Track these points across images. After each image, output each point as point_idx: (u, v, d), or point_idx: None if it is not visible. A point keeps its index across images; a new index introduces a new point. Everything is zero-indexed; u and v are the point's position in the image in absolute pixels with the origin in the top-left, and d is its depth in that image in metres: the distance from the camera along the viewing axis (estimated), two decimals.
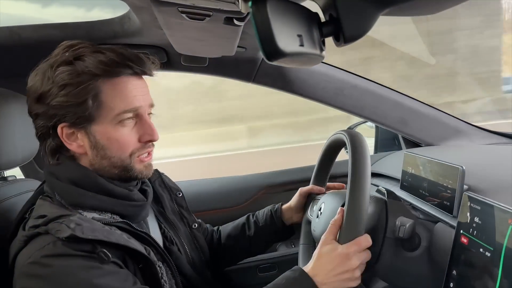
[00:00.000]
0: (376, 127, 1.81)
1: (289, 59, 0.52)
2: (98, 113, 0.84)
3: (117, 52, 0.85)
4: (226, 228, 1.26)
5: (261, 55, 1.39)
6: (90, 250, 0.75)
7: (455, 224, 0.93)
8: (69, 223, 0.75)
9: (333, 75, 1.45)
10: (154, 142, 0.92)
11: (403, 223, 0.95)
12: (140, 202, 0.92)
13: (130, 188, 0.91)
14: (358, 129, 1.83)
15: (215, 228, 1.28)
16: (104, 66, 0.83)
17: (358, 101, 1.49)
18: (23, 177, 1.39)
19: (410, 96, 1.53)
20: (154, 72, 0.92)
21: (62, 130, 0.84)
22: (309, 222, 1.18)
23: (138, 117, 0.88)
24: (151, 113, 0.93)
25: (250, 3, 0.46)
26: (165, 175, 1.16)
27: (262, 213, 1.25)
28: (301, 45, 0.51)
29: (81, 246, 0.74)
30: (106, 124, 0.85)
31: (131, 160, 0.88)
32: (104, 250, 0.75)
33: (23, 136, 1.10)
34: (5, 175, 1.16)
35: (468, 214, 0.77)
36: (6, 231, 0.88)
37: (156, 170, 1.13)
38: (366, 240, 0.86)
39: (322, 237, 0.88)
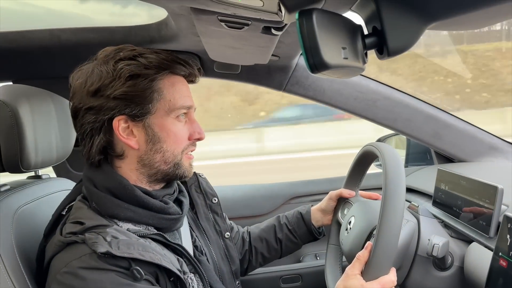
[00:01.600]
0: (408, 139, 1.77)
1: (332, 71, 0.51)
2: (159, 106, 0.87)
3: (172, 54, 0.90)
4: (256, 230, 1.26)
5: (293, 63, 1.38)
6: (124, 266, 0.76)
7: (491, 245, 0.90)
8: (105, 235, 0.77)
9: (367, 85, 1.43)
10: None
11: (437, 241, 0.92)
12: (176, 216, 0.91)
13: (165, 201, 0.91)
14: (388, 142, 1.80)
15: (245, 229, 1.27)
16: (169, 62, 0.88)
17: (390, 113, 1.46)
18: (55, 176, 1.43)
19: (444, 110, 1.49)
20: (198, 79, 0.97)
21: (118, 124, 0.85)
22: (338, 224, 1.16)
23: (188, 116, 0.92)
24: None
25: (297, 15, 0.45)
26: (204, 178, 1.15)
27: (292, 215, 1.24)
28: (345, 57, 0.50)
29: (116, 261, 0.75)
30: (165, 118, 0.88)
31: (181, 155, 0.91)
32: (138, 268, 0.76)
33: (59, 136, 1.12)
34: (40, 174, 1.19)
35: (508, 236, 0.74)
36: (42, 227, 0.90)
37: (194, 174, 1.12)
38: (390, 280, 0.84)
39: (347, 269, 0.87)
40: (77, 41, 1.26)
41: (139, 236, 0.82)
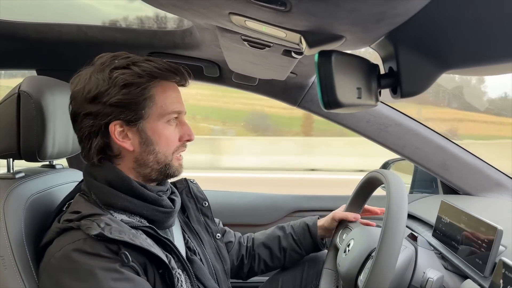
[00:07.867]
0: (415, 166, 1.78)
1: (345, 109, 0.53)
2: (152, 111, 0.92)
3: (164, 62, 0.94)
4: (260, 237, 1.31)
5: (310, 82, 1.41)
6: (115, 250, 0.81)
7: (484, 284, 0.91)
8: (99, 222, 0.82)
9: (379, 110, 1.45)
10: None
11: (431, 275, 0.94)
12: (168, 209, 0.97)
13: (160, 194, 0.97)
14: (396, 166, 1.81)
15: (247, 235, 1.32)
16: (160, 71, 0.92)
17: (400, 140, 1.47)
18: (68, 166, 1.46)
19: (454, 142, 1.50)
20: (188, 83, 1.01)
21: (114, 128, 0.91)
22: (336, 248, 1.18)
23: (179, 119, 0.98)
24: None
25: (316, 56, 0.48)
26: (194, 183, 1.21)
27: (298, 225, 1.30)
28: (359, 97, 0.53)
29: (108, 245, 0.80)
30: (157, 122, 0.93)
31: (172, 157, 0.96)
32: (126, 253, 0.81)
33: None
34: (54, 163, 1.22)
35: (501, 281, 0.76)
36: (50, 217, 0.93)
37: (184, 180, 1.18)
38: None
39: None
40: (103, 38, 1.29)
41: (131, 227, 0.87)
